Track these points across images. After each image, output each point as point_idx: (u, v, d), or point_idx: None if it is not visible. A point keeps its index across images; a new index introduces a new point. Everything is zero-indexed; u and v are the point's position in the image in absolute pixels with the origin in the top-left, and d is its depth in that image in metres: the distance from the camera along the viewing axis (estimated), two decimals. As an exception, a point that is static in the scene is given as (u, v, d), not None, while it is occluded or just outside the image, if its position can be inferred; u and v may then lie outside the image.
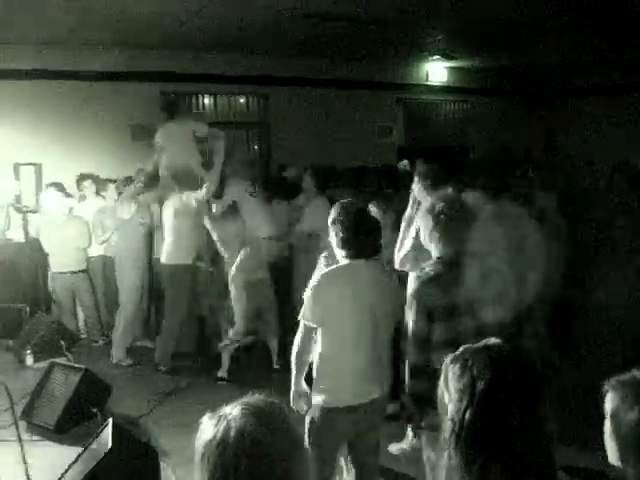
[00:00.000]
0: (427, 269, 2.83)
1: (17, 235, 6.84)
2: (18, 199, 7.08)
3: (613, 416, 1.55)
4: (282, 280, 5.91)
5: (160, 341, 5.95)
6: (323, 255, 3.68)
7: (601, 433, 1.60)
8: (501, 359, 1.42)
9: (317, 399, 2.92)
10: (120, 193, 6.49)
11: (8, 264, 6.63)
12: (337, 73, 9.83)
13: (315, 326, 2.87)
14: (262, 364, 5.78)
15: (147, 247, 6.43)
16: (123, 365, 6.02)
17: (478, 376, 1.37)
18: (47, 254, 6.54)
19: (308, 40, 8.23)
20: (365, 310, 2.88)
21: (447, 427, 1.40)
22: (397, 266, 3.80)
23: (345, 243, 2.93)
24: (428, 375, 2.55)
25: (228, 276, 5.50)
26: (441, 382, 1.46)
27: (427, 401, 2.32)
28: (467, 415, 1.35)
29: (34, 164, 7.48)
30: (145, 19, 6.81)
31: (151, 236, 6.49)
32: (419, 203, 3.93)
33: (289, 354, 3.02)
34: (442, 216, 2.81)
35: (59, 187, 6.43)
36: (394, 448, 4.13)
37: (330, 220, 3.00)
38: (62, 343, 5.71)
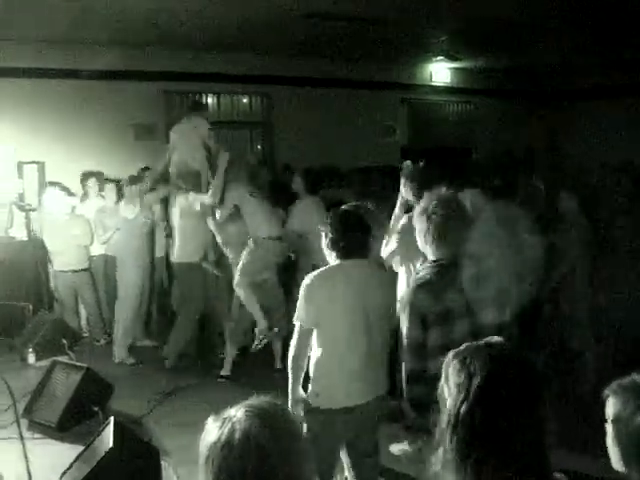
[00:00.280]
0: (422, 273, 2.77)
1: (20, 233, 6.86)
2: (21, 197, 7.10)
3: (615, 421, 1.54)
4: (287, 281, 5.90)
5: (172, 337, 5.97)
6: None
7: (602, 437, 1.60)
8: (501, 357, 1.41)
9: (313, 401, 2.90)
10: (121, 193, 6.46)
11: (11, 262, 6.63)
12: (340, 73, 9.80)
13: (310, 328, 2.86)
14: (264, 364, 5.77)
15: (148, 246, 6.45)
16: (126, 364, 6.03)
17: (475, 372, 1.37)
18: (50, 252, 6.55)
19: (311, 40, 8.21)
20: (358, 310, 2.86)
21: (444, 421, 1.39)
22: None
23: (334, 244, 2.93)
24: (425, 380, 2.54)
25: (233, 276, 5.52)
26: (442, 377, 1.46)
27: (426, 407, 2.27)
28: (462, 409, 1.35)
29: (37, 162, 7.45)
30: (145, 18, 6.81)
31: (152, 235, 6.50)
32: (407, 203, 3.93)
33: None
34: (435, 216, 2.73)
35: (61, 186, 6.45)
36: (395, 448, 4.12)
37: (322, 224, 3.01)
38: (64, 342, 5.70)
